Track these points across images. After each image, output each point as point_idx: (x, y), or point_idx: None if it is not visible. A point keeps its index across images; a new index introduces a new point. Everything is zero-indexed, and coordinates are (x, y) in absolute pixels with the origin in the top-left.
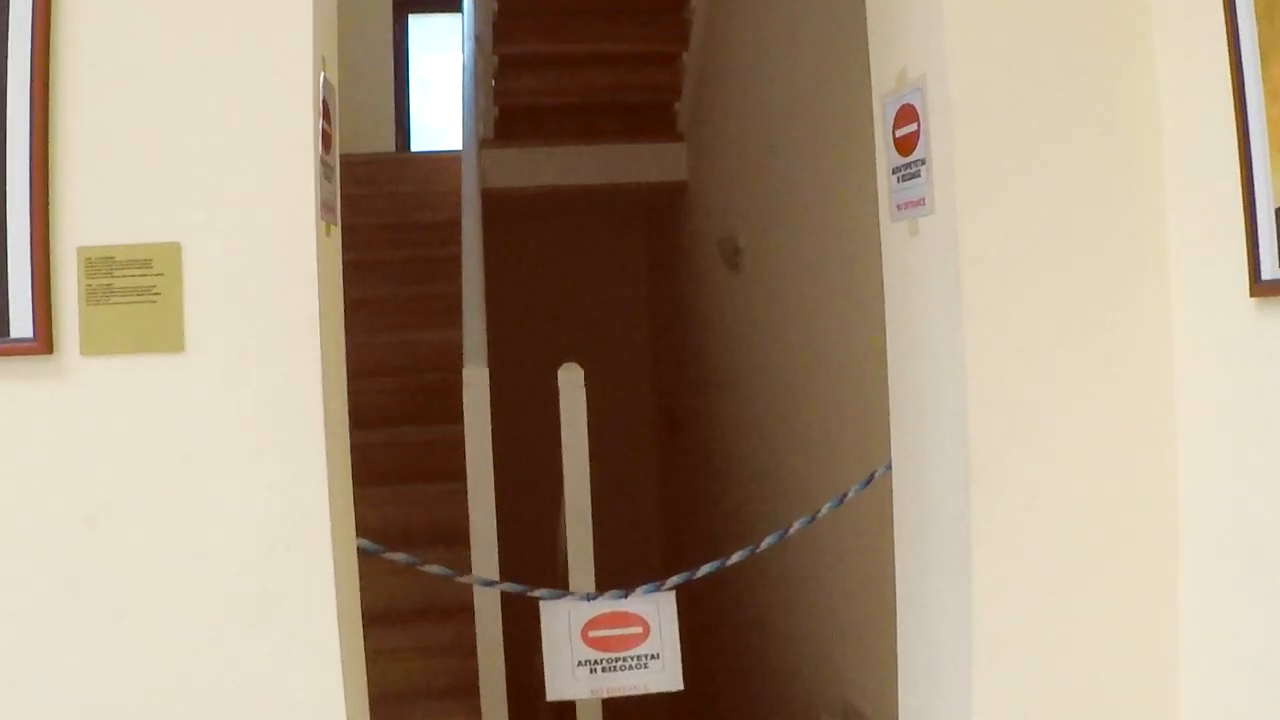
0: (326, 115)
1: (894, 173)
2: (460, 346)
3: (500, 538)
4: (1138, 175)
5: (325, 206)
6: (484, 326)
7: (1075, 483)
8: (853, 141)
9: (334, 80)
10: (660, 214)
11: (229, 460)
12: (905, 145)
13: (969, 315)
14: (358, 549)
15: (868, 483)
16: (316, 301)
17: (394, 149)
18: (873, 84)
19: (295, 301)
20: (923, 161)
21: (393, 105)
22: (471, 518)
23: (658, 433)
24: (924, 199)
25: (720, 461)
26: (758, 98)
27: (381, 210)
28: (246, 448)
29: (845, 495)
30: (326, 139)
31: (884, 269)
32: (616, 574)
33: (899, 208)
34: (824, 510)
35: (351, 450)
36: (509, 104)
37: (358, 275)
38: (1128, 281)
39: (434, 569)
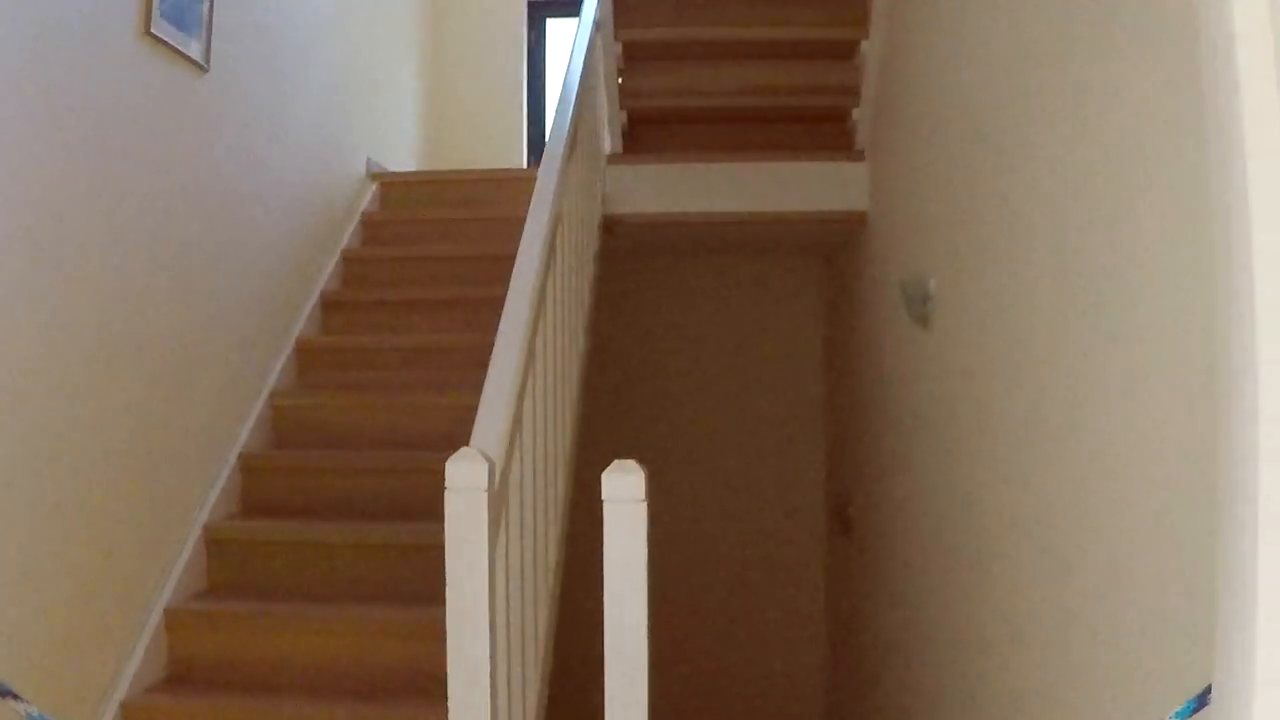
0: None
1: None
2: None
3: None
4: None
5: None
6: (513, 399)
7: None
8: (1104, 144)
9: None
10: (836, 253)
11: None
12: None
13: None
14: None
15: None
16: None
17: (524, 166)
18: None
19: None
20: None
21: (524, 117)
22: (450, 671)
23: (829, 535)
24: None
25: (898, 586)
26: (956, 94)
27: (478, 237)
28: None
29: None
30: None
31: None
32: None
33: None
34: None
35: (369, 554)
36: (639, 108)
37: (432, 317)
38: None
39: None
